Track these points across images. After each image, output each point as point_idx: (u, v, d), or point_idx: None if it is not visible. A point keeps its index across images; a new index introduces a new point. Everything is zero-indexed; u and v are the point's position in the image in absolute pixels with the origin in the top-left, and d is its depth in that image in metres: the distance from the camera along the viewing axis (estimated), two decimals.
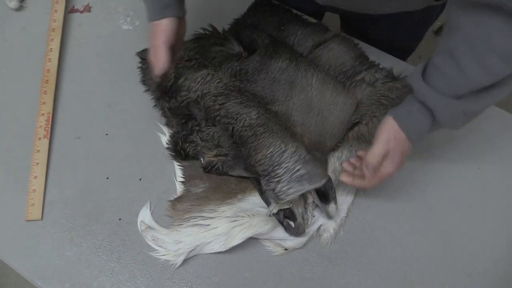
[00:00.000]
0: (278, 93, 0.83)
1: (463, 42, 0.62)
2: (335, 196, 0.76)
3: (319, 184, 0.72)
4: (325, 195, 0.76)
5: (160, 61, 0.75)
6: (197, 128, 0.82)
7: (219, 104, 0.78)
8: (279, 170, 0.73)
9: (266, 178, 0.74)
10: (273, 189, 0.73)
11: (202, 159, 0.82)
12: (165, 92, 0.83)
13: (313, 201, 0.75)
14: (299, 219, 0.74)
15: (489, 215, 0.84)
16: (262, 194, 0.79)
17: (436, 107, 0.67)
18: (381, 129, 0.74)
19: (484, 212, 0.84)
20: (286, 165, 0.73)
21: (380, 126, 0.74)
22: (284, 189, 0.72)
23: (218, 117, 0.78)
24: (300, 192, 0.72)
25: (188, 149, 0.82)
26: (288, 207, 0.74)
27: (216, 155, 0.80)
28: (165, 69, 0.75)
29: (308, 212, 0.75)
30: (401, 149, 0.72)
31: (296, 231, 0.75)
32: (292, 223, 0.75)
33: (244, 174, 0.79)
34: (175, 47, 0.77)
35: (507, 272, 0.79)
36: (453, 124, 0.70)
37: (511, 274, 0.79)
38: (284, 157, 0.73)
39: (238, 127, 0.76)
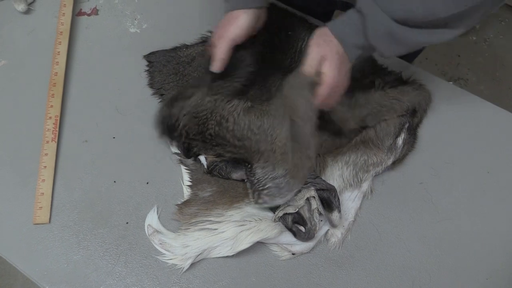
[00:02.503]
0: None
1: None
2: (339, 205, 0.76)
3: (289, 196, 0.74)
4: (328, 204, 0.76)
5: (217, 56, 0.78)
6: None
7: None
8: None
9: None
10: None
11: (205, 160, 0.82)
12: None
13: (317, 208, 0.75)
14: (309, 224, 0.74)
15: (499, 220, 0.83)
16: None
17: (369, 17, 0.67)
18: (312, 37, 0.74)
19: (494, 217, 0.83)
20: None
21: (312, 36, 0.74)
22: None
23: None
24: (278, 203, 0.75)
25: (193, 144, 0.82)
26: (295, 211, 0.74)
27: (218, 155, 0.80)
28: (218, 68, 0.79)
29: (315, 218, 0.75)
30: (335, 51, 0.71)
31: (306, 236, 0.75)
32: (302, 228, 0.74)
33: (246, 178, 0.79)
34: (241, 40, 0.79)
35: None
36: (379, 43, 0.70)
37: None
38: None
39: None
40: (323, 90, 0.74)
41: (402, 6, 0.65)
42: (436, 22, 0.65)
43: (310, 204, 0.74)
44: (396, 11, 0.65)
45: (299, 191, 0.74)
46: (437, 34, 0.66)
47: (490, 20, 2.15)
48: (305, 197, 0.73)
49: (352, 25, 0.70)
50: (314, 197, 0.73)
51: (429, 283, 0.77)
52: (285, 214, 0.74)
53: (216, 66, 0.79)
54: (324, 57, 0.72)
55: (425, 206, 0.84)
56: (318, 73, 0.72)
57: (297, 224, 0.75)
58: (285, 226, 0.74)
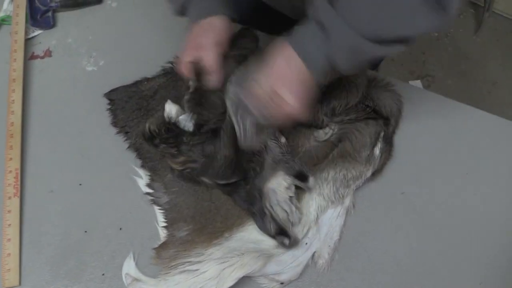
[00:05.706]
0: None
1: None
2: (308, 170, 0.78)
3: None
4: (302, 175, 0.77)
5: (212, 67, 0.68)
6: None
7: None
8: None
9: None
10: None
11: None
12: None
13: (295, 193, 0.78)
14: (292, 234, 0.75)
15: (486, 220, 0.82)
16: (259, 217, 0.77)
17: (334, 32, 0.62)
18: (272, 53, 0.66)
19: (480, 218, 0.83)
20: None
21: (271, 50, 0.67)
22: None
23: None
24: None
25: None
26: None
27: (184, 162, 0.78)
28: (216, 82, 0.69)
29: (293, 203, 0.77)
30: (297, 75, 0.65)
31: (292, 245, 0.75)
32: (286, 240, 0.74)
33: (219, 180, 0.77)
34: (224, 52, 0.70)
35: (508, 279, 0.78)
36: (339, 58, 0.64)
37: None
38: None
39: None
40: (278, 120, 0.69)
41: (372, 24, 0.61)
42: (404, 38, 0.63)
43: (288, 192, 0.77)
44: (364, 27, 0.61)
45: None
46: (395, 47, 0.64)
47: None
48: (283, 186, 0.76)
49: (315, 40, 0.64)
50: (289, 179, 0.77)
51: None
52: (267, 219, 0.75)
53: (213, 80, 0.70)
54: (283, 79, 0.66)
55: (409, 216, 0.82)
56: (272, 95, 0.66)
57: (281, 236, 0.74)
58: (268, 235, 0.75)
